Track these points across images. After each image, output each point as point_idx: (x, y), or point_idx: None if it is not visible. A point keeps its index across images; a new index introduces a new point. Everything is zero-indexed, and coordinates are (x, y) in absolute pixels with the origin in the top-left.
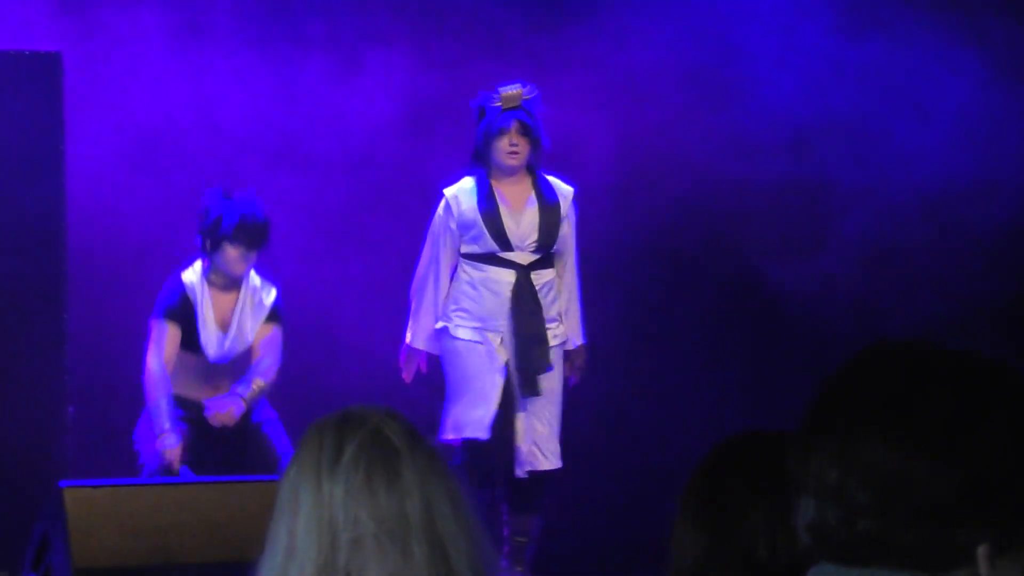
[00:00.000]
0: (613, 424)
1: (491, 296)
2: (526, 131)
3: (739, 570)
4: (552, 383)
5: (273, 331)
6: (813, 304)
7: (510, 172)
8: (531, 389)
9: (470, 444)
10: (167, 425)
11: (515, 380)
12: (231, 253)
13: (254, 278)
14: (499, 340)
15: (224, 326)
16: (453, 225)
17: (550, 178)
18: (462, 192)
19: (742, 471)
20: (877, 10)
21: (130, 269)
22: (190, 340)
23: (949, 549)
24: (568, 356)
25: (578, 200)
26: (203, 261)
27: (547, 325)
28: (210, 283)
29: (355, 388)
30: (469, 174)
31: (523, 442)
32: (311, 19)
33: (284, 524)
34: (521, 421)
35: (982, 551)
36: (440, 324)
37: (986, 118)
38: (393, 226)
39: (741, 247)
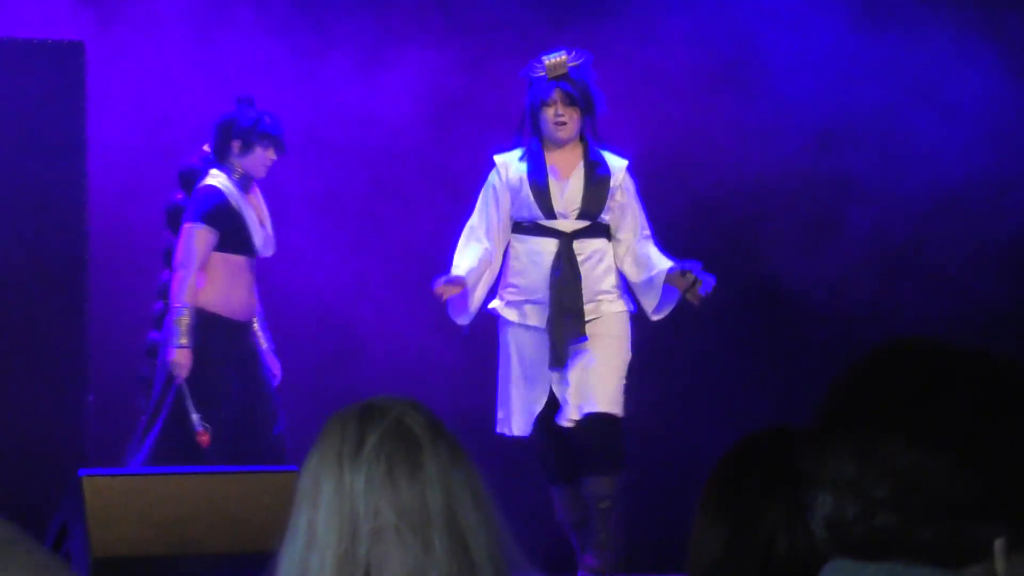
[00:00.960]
0: (632, 421)
1: (533, 267)
2: (572, 101)
3: (758, 565)
4: (611, 343)
5: None
6: (832, 301)
7: (560, 143)
8: (559, 360)
9: (519, 440)
10: (184, 340)
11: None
12: (264, 155)
13: None
14: (541, 317)
15: (263, 223)
16: (502, 189)
17: (604, 152)
18: (511, 159)
19: (762, 466)
20: (896, 7)
21: (151, 258)
22: (240, 241)
23: (966, 544)
24: (673, 280)
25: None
26: (222, 169)
27: (599, 297)
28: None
29: (374, 380)
30: (520, 145)
31: (568, 394)
32: (334, 11)
33: (304, 514)
34: (564, 378)
35: (999, 545)
36: (492, 304)
37: (1006, 115)
38: (414, 220)
39: (761, 243)
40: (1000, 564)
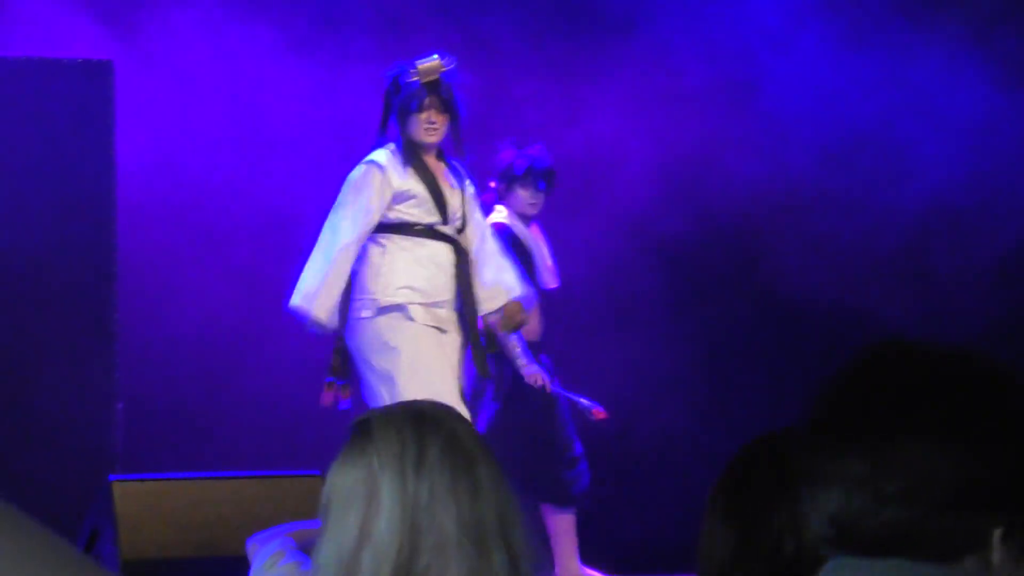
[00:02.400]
0: (641, 425)
1: (439, 272)
2: (445, 107)
3: (767, 565)
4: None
5: None
6: (837, 309)
7: (429, 149)
8: (485, 369)
9: None
10: (524, 361)
11: (463, 363)
12: (538, 194)
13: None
14: (448, 321)
15: (544, 255)
16: (388, 194)
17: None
18: (391, 161)
19: (770, 468)
20: (890, 26)
21: (179, 271)
22: (529, 274)
23: (968, 536)
24: (504, 311)
25: (606, 203)
26: (507, 204)
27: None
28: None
29: None
30: (379, 147)
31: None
32: (354, 28)
33: (356, 511)
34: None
35: (997, 535)
36: (386, 301)
37: (998, 126)
38: None
39: (766, 254)
40: (996, 553)
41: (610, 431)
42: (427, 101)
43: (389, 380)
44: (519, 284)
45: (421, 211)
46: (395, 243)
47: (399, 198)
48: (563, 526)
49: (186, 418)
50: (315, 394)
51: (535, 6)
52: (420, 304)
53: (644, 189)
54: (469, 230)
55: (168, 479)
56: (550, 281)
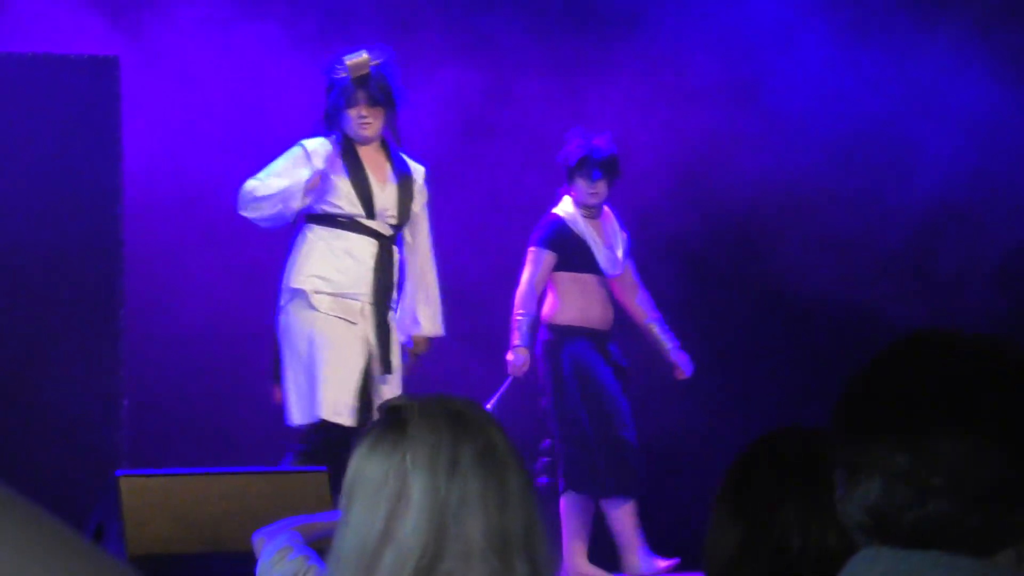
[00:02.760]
0: (649, 423)
1: (354, 265)
2: (376, 101)
3: (772, 562)
4: (400, 370)
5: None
6: (842, 305)
7: (365, 142)
8: (387, 366)
9: (330, 427)
10: (519, 341)
11: (374, 357)
12: (592, 184)
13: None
14: (359, 313)
15: (610, 246)
16: (314, 168)
17: (402, 155)
18: (324, 147)
19: (776, 465)
20: (895, 22)
21: (185, 266)
22: (584, 262)
23: (1006, 529)
24: (412, 341)
25: (613, 201)
26: (571, 194)
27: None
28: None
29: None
30: (321, 135)
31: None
32: (359, 25)
33: (383, 506)
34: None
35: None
36: (293, 285)
37: (1005, 122)
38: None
39: (772, 250)
40: None
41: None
42: (356, 96)
43: (294, 367)
44: (435, 322)
45: (345, 204)
46: (316, 233)
47: (322, 189)
48: (624, 518)
49: (192, 414)
50: None
51: (541, 4)
52: (327, 294)
53: (650, 186)
54: (415, 231)
55: (174, 475)
56: (611, 269)
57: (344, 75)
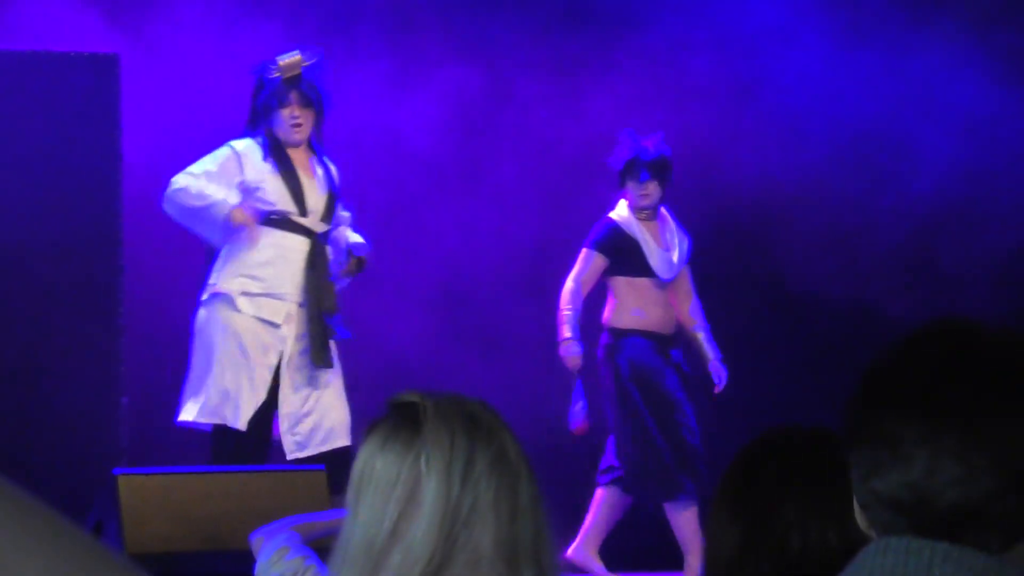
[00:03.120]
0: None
1: (283, 263)
2: (308, 102)
3: (773, 561)
4: (338, 370)
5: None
6: (846, 302)
7: (296, 144)
8: (325, 359)
9: (227, 432)
10: (569, 334)
11: (295, 360)
12: (641, 186)
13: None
14: (284, 314)
15: (666, 248)
16: (236, 179)
17: (324, 158)
18: (252, 150)
19: (777, 463)
20: (902, 21)
21: (184, 265)
22: (641, 265)
23: None
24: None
25: (616, 200)
26: (625, 197)
27: None
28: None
29: (384, 385)
30: (248, 136)
31: (302, 426)
32: (359, 24)
33: (394, 505)
34: (298, 402)
35: None
36: (218, 288)
37: (1006, 122)
38: (434, 226)
39: (776, 246)
40: None
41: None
42: (289, 96)
43: (200, 365)
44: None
45: (277, 201)
46: (245, 232)
47: (249, 190)
48: (690, 522)
49: None
50: None
51: (541, 5)
52: (253, 294)
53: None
54: (338, 230)
55: (172, 473)
56: (664, 272)
57: (277, 75)
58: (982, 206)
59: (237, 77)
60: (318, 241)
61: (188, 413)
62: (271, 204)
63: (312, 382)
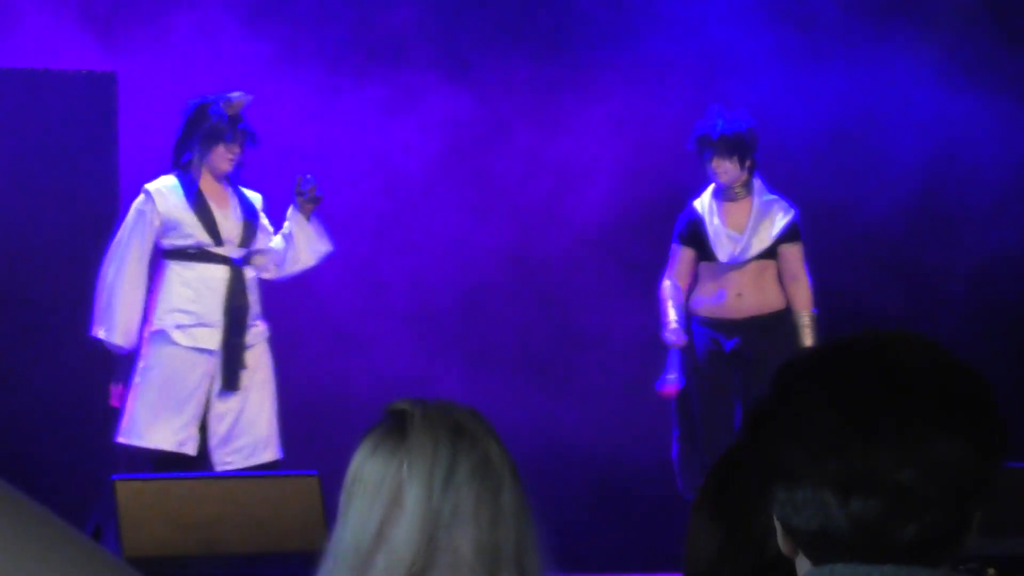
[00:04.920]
0: (638, 422)
1: (206, 290)
2: (244, 141)
3: (752, 563)
4: (261, 377)
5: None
6: (838, 305)
7: (221, 176)
8: (232, 383)
9: (159, 455)
10: (673, 316)
11: (216, 380)
12: (720, 164)
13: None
14: (216, 340)
15: (748, 229)
16: (157, 221)
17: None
18: (165, 188)
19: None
20: (869, 33)
21: None
22: (707, 248)
23: (969, 525)
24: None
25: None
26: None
27: (254, 322)
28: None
29: (379, 395)
30: (174, 165)
31: (220, 438)
32: (346, 44)
33: (379, 507)
34: (219, 417)
35: (977, 518)
36: (155, 326)
37: (969, 127)
38: (427, 241)
39: None
40: (972, 536)
41: (620, 431)
42: (232, 134)
43: (143, 393)
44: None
45: (193, 233)
46: (171, 268)
47: (168, 225)
48: None
49: None
50: (315, 396)
51: (524, 26)
52: (186, 327)
53: (636, 197)
54: (261, 257)
55: (169, 479)
56: (724, 256)
57: (226, 110)
58: (957, 208)
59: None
60: (236, 267)
61: (125, 436)
62: (189, 236)
63: (239, 399)
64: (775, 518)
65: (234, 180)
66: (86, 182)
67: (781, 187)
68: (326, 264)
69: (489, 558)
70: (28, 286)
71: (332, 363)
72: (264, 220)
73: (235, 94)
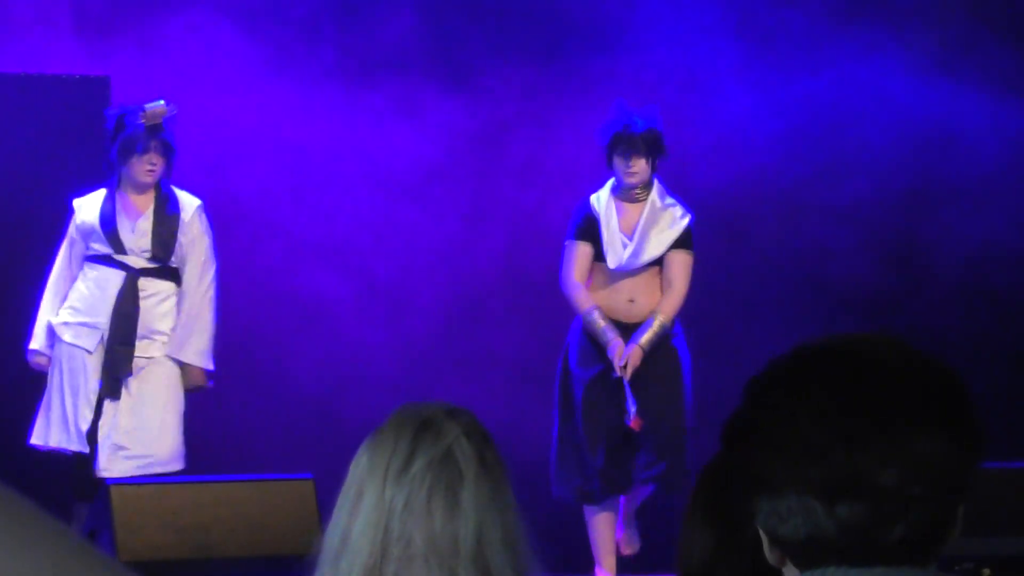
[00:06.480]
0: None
1: (99, 292)
2: (166, 150)
3: (746, 567)
4: (156, 387)
5: (683, 257)
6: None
7: (145, 188)
8: (112, 390)
9: (59, 454)
10: (611, 336)
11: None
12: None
13: (656, 196)
14: (98, 338)
15: (639, 234)
16: (75, 233)
17: (177, 191)
18: (88, 201)
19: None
20: (842, 33)
21: None
22: (600, 249)
23: (954, 524)
24: (184, 369)
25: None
26: (614, 175)
27: (154, 336)
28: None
29: (373, 399)
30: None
31: (118, 440)
32: (338, 49)
33: (345, 514)
34: (117, 424)
35: (960, 512)
36: (53, 319)
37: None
38: (428, 243)
39: (741, 256)
40: (956, 530)
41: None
42: (151, 144)
43: (47, 392)
44: (201, 354)
45: (96, 244)
46: (83, 269)
47: (83, 234)
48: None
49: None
50: (310, 400)
51: (518, 33)
52: (71, 324)
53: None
54: (185, 263)
55: (163, 483)
56: (611, 260)
57: (143, 121)
58: (945, 196)
59: (226, 99)
60: (133, 276)
61: (34, 437)
62: (94, 247)
63: (130, 409)
64: (760, 529)
65: (166, 187)
66: (79, 186)
67: (771, 189)
68: (321, 268)
69: (445, 550)
70: (23, 287)
71: (326, 367)
72: (193, 230)
73: (156, 103)
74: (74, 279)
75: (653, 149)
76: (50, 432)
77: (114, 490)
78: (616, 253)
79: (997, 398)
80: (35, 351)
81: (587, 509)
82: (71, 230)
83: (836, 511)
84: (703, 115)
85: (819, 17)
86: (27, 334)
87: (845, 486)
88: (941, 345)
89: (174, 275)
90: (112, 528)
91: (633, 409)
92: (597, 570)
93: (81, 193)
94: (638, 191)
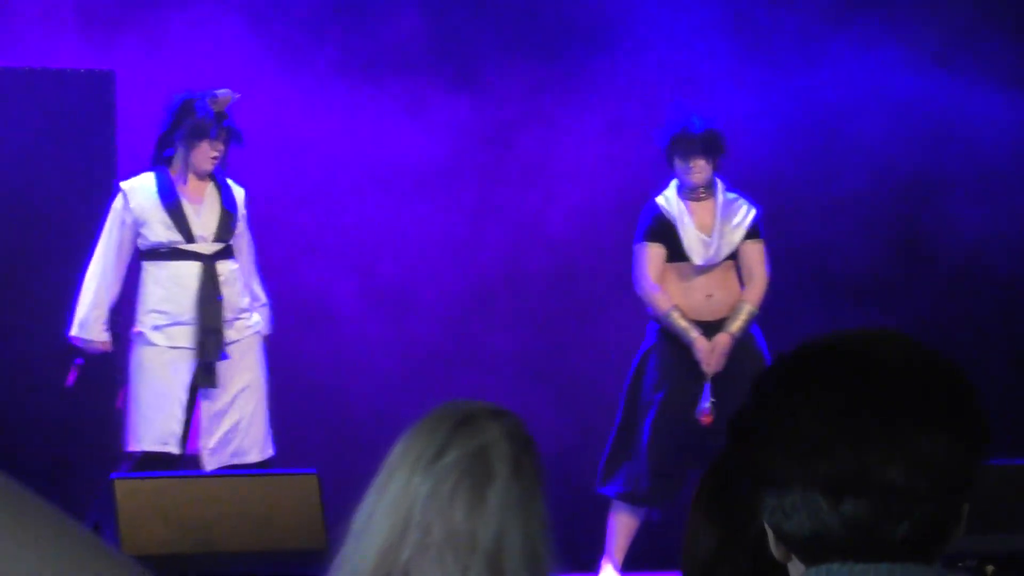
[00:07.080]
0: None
1: (178, 289)
2: (227, 139)
3: (750, 565)
4: (250, 372)
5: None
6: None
7: (203, 174)
8: (207, 379)
9: (154, 456)
10: (693, 334)
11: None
12: (686, 164)
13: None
14: (192, 333)
15: (710, 231)
16: (129, 219)
17: (228, 179)
18: (141, 187)
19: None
20: (839, 28)
21: None
22: (677, 249)
23: (959, 521)
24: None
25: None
26: (676, 176)
27: (239, 315)
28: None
29: (377, 395)
30: (154, 161)
31: (213, 438)
32: (343, 47)
33: (373, 495)
34: (211, 418)
35: (965, 511)
36: (137, 328)
37: (944, 111)
38: (430, 241)
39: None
40: (960, 528)
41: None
42: (217, 131)
43: (135, 398)
44: (265, 323)
45: (162, 233)
46: (147, 270)
47: (139, 223)
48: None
49: None
50: (313, 394)
51: (521, 32)
52: (162, 327)
53: (626, 197)
54: (239, 248)
55: (168, 477)
56: (697, 257)
57: (212, 107)
58: (944, 188)
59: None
60: (208, 264)
61: (131, 443)
62: (160, 234)
63: (225, 399)
64: (766, 525)
65: (219, 174)
66: (84, 181)
67: (773, 183)
68: (327, 265)
69: (462, 544)
70: (26, 281)
71: (331, 362)
72: (241, 218)
73: (222, 90)
74: (126, 263)
75: (712, 149)
76: (145, 436)
77: (118, 484)
78: (698, 251)
79: (1000, 390)
80: (75, 338)
81: (620, 505)
82: (120, 213)
83: (841, 507)
84: (704, 112)
85: (818, 12)
86: (29, 325)
87: (850, 482)
88: (943, 337)
89: (234, 253)
90: (116, 522)
91: (707, 404)
92: (603, 559)
93: (86, 187)
94: (702, 190)
